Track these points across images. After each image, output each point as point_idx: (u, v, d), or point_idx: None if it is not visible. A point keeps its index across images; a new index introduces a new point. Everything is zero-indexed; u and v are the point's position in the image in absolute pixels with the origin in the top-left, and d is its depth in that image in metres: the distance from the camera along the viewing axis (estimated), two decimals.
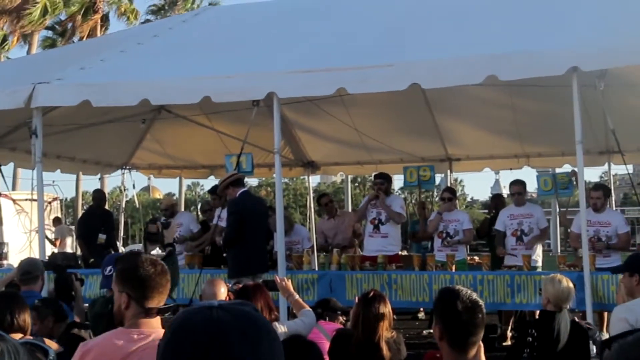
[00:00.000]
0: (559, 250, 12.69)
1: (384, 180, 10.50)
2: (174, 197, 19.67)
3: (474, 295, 3.33)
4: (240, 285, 6.08)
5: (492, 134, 12.75)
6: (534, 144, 12.83)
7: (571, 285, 5.86)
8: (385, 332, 5.38)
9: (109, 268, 5.01)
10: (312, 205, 16.47)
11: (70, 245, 17.72)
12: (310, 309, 5.90)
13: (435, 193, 13.80)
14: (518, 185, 10.26)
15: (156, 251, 9.07)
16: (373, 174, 12.16)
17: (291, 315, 6.92)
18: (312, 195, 17.08)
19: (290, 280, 6.32)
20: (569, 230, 10.77)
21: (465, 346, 3.24)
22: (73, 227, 18.76)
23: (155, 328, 3.40)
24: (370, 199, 10.46)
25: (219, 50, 9.53)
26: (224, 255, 9.28)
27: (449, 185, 14.32)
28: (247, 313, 1.45)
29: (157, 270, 3.53)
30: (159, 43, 10.22)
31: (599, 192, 9.30)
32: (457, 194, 13.23)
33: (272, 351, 1.44)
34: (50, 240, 15.97)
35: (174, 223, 8.42)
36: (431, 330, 10.88)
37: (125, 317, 3.44)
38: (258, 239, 9.04)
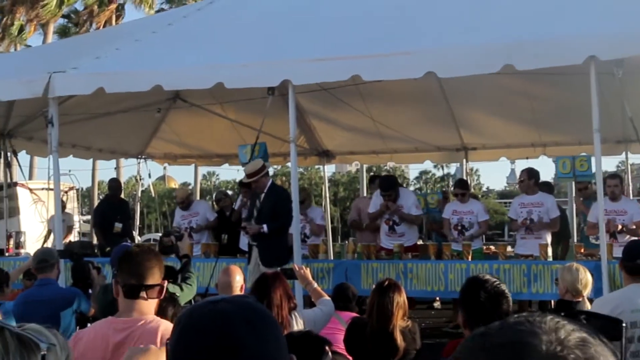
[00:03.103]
0: (575, 240, 12.60)
1: (390, 190, 10.20)
2: (189, 187, 19.68)
3: (502, 286, 3.30)
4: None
5: (509, 123, 12.67)
6: (551, 132, 12.73)
7: (589, 273, 5.82)
8: (400, 321, 5.37)
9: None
10: (327, 195, 16.44)
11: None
12: (329, 298, 5.89)
13: (450, 182, 13.70)
14: (525, 173, 10.15)
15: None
16: (377, 181, 11.81)
17: (308, 304, 6.91)
18: (327, 184, 17.04)
19: (308, 269, 6.31)
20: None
21: None
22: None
23: (145, 314, 3.39)
24: (382, 211, 10.29)
25: (233, 38, 9.51)
26: (253, 243, 9.08)
27: (464, 175, 14.24)
28: (250, 304, 1.52)
29: (142, 250, 3.52)
30: (174, 32, 10.20)
31: (616, 180, 9.27)
32: (473, 184, 13.14)
33: (277, 339, 1.49)
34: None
35: (187, 238, 8.39)
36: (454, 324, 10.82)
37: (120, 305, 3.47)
38: None
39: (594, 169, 9.22)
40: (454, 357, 1.07)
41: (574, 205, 12.99)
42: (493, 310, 3.20)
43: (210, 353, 1.40)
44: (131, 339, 3.28)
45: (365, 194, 17.19)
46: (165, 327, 3.33)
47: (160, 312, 3.72)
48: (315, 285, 6.03)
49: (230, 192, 15.18)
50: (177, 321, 1.52)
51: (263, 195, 8.96)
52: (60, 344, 1.64)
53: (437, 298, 12.30)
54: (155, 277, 3.46)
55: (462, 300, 3.37)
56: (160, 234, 15.70)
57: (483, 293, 3.24)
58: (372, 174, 14.47)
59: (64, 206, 17.54)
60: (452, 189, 12.67)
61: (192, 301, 6.72)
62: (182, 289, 5.58)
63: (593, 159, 9.04)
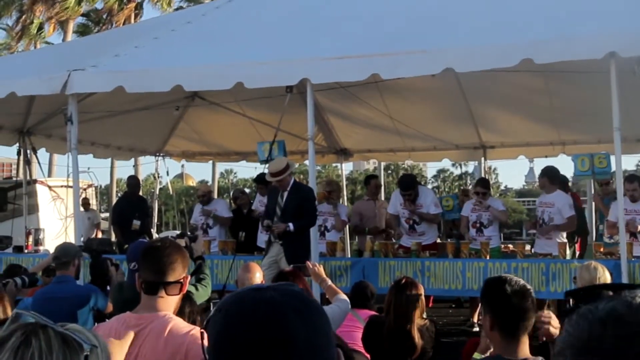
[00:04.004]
0: (594, 238, 12.53)
1: (410, 189, 10.25)
2: (208, 184, 19.75)
3: (522, 281, 3.31)
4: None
5: (528, 121, 12.61)
6: (570, 130, 12.65)
7: (607, 272, 5.78)
8: (418, 319, 5.35)
9: (133, 264, 4.99)
10: (345, 193, 16.41)
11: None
12: (345, 295, 5.86)
13: (468, 181, 13.65)
14: (541, 171, 10.14)
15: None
16: (397, 181, 11.86)
17: (325, 302, 6.90)
18: (344, 182, 17.01)
19: (322, 266, 6.28)
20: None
21: (517, 331, 3.19)
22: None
23: (163, 310, 3.38)
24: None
25: (252, 37, 9.51)
26: (276, 241, 9.00)
27: (482, 174, 14.19)
28: (297, 292, 1.47)
29: (163, 245, 3.51)
30: (192, 30, 10.23)
31: (634, 183, 9.17)
32: (491, 182, 13.08)
33: (324, 327, 1.44)
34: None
35: (201, 237, 8.35)
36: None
37: None
38: None
39: (613, 167, 9.15)
40: (570, 334, 1.01)
41: (593, 203, 12.91)
42: (519, 305, 3.19)
43: (261, 345, 1.35)
44: (141, 336, 3.27)
45: (383, 193, 17.18)
46: (175, 323, 3.31)
47: (178, 310, 3.71)
48: (330, 282, 5.99)
49: (247, 190, 15.20)
50: (219, 309, 1.45)
51: (286, 193, 8.90)
52: (101, 346, 1.62)
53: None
54: (176, 273, 3.42)
55: (488, 298, 3.34)
56: (177, 231, 15.75)
57: (508, 287, 3.24)
58: (369, 174, 14.42)
59: (89, 203, 17.69)
60: (470, 187, 12.64)
61: (211, 302, 6.74)
62: (197, 289, 5.58)
63: (612, 157, 8.98)
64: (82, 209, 16.73)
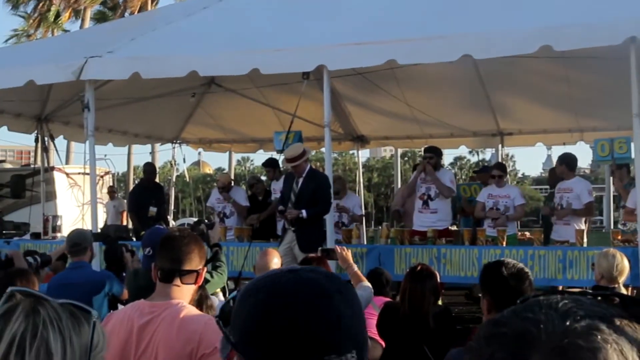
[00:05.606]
0: (611, 226, 12.44)
1: (433, 154, 10.32)
2: (224, 172, 19.79)
3: (520, 265, 3.30)
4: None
5: (546, 108, 12.51)
6: (589, 117, 12.55)
7: (625, 260, 5.73)
8: (433, 306, 5.34)
9: (148, 249, 4.99)
10: (361, 180, 16.39)
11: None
12: (369, 283, 5.83)
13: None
14: (557, 159, 10.13)
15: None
16: (423, 148, 11.96)
17: None
18: (361, 170, 16.97)
19: (349, 251, 6.23)
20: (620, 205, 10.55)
21: None
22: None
23: (174, 298, 3.37)
24: (420, 171, 10.33)
25: (269, 23, 9.49)
26: (290, 228, 8.96)
27: (499, 160, 14.12)
28: (331, 273, 1.45)
29: (181, 235, 3.51)
30: (209, 15, 10.21)
31: None
32: (508, 170, 13.01)
33: (361, 308, 1.44)
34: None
35: (218, 224, 8.35)
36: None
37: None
38: None
39: (633, 152, 9.05)
40: (469, 343, 1.01)
41: (612, 190, 12.82)
42: (517, 287, 3.18)
43: (310, 326, 1.31)
44: (154, 323, 3.27)
45: (399, 180, 17.12)
46: (188, 311, 3.31)
47: None
48: (356, 268, 5.95)
49: (263, 178, 15.18)
50: (249, 293, 1.38)
51: (301, 179, 8.87)
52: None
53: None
54: (193, 262, 3.42)
55: (485, 281, 3.35)
56: (194, 219, 15.76)
57: (505, 269, 3.23)
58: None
59: (115, 192, 17.79)
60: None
61: (227, 288, 6.74)
62: (212, 276, 5.59)
63: (632, 142, 8.88)
64: (108, 197, 16.92)
